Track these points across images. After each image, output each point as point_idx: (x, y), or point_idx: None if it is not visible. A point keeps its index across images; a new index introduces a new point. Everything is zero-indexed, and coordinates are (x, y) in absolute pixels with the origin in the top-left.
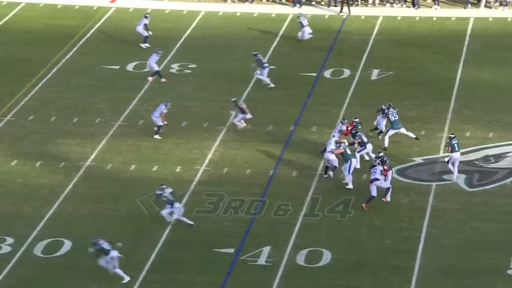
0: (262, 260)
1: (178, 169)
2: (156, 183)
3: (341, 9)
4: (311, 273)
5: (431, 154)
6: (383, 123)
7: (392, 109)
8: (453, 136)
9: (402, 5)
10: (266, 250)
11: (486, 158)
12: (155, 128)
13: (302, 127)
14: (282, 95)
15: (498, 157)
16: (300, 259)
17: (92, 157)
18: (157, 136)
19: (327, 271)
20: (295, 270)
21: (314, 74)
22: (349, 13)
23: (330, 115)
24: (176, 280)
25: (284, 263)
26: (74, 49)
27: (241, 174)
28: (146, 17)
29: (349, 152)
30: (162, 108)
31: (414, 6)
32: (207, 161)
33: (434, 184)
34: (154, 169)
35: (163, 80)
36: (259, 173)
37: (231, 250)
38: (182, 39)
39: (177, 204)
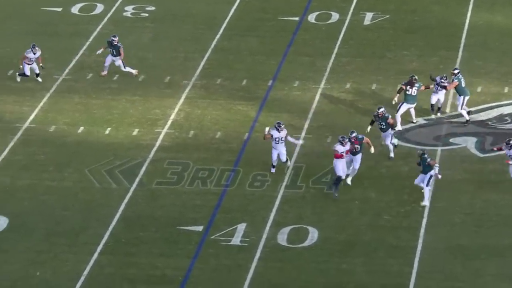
0: (236, 240)
1: (135, 132)
2: (109, 148)
3: None
4: (295, 255)
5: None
6: (442, 97)
7: (460, 74)
8: (421, 152)
9: None
10: (241, 228)
11: (500, 118)
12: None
13: (282, 82)
14: (257, 44)
15: None
16: (282, 238)
17: (32, 117)
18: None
19: (313, 252)
20: (275, 251)
21: (296, 19)
22: None
23: (315, 68)
24: (134, 264)
25: (262, 243)
26: None
27: (210, 138)
28: None
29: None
30: (27, 53)
31: None
32: (169, 122)
33: (439, 149)
34: (107, 132)
35: None
36: (231, 137)
37: (199, 228)
38: None
39: None
